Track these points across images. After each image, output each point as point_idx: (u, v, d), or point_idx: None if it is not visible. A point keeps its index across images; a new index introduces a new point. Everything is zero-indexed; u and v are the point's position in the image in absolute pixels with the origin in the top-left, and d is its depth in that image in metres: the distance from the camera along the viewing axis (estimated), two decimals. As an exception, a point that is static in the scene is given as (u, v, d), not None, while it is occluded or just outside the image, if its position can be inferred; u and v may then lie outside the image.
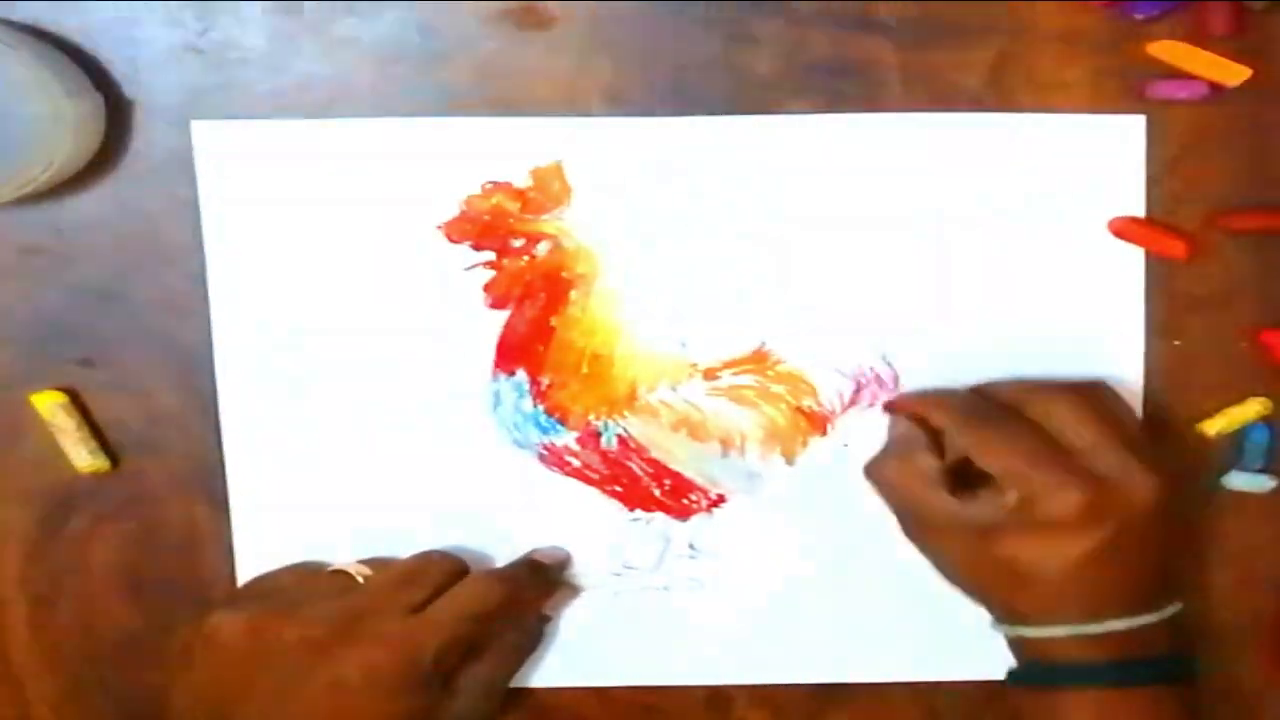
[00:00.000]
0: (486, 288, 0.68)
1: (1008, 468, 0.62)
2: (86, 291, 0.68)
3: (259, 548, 0.69)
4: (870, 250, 0.68)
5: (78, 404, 0.68)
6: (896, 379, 0.69)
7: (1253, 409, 0.69)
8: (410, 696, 0.63)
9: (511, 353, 0.68)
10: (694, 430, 0.69)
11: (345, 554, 0.69)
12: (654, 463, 0.69)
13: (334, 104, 0.67)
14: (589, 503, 0.70)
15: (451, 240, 0.68)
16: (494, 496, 0.69)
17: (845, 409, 0.69)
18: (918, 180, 0.67)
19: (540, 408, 0.69)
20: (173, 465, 0.69)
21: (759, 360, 0.69)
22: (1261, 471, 0.69)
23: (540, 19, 0.66)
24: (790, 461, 0.70)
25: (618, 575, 0.70)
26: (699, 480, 0.70)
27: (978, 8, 0.66)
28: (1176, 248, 0.67)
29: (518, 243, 0.68)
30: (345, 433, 0.69)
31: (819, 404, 0.69)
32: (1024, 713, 0.65)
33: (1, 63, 0.60)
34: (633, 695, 0.71)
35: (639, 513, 0.70)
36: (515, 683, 0.70)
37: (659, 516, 0.70)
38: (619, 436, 0.69)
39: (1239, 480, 0.69)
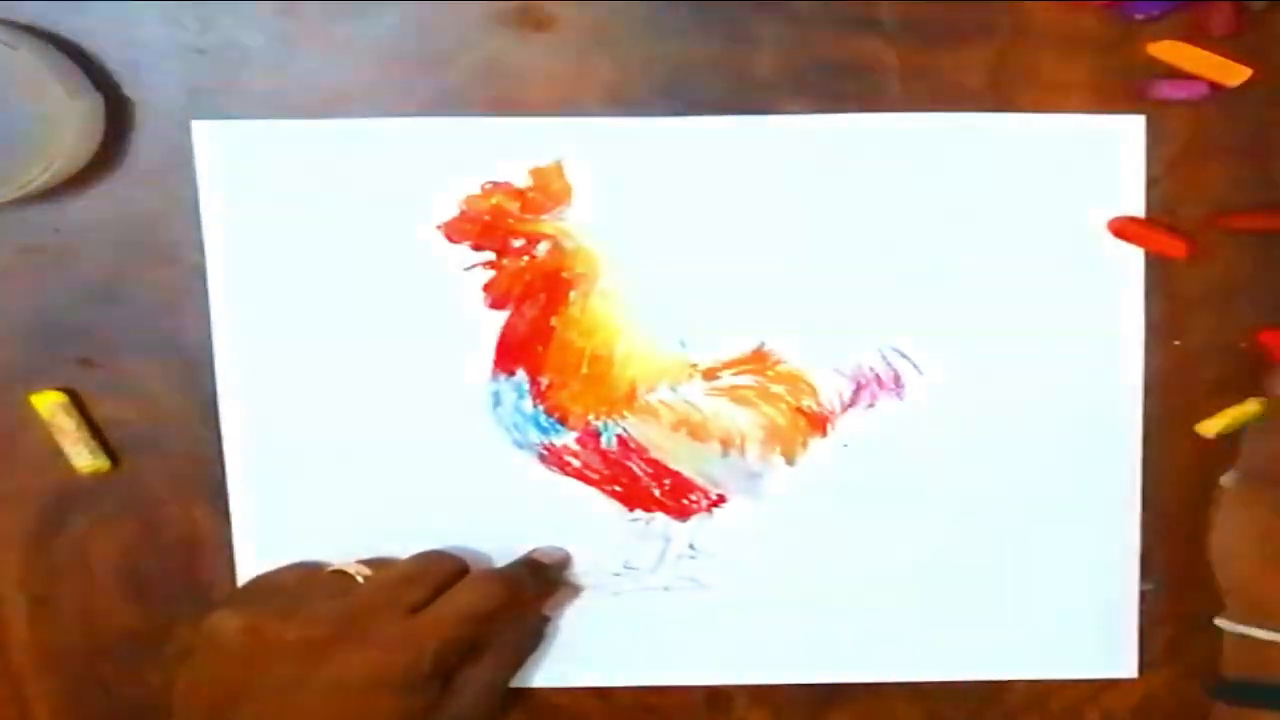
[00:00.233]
0: (486, 288, 0.68)
1: None
2: (86, 291, 0.68)
3: (259, 548, 0.69)
4: (870, 250, 0.68)
5: (78, 404, 0.68)
6: (896, 379, 0.69)
7: (1253, 409, 0.68)
8: (410, 696, 0.63)
9: (511, 353, 0.68)
10: (694, 430, 0.69)
11: (345, 554, 0.68)
12: (654, 463, 0.69)
13: (334, 104, 0.66)
14: (589, 503, 0.70)
15: (451, 240, 0.68)
16: (494, 497, 0.69)
17: (845, 409, 0.69)
18: (917, 180, 0.67)
19: (540, 408, 0.69)
20: (173, 465, 0.69)
21: (759, 360, 0.69)
22: (1261, 471, 0.69)
23: (540, 19, 0.66)
24: (790, 461, 0.70)
25: (618, 575, 0.70)
26: (699, 480, 0.70)
27: (978, 8, 0.66)
28: (1176, 248, 0.67)
29: (518, 243, 0.68)
30: (345, 433, 0.69)
31: (819, 404, 0.69)
32: None
33: (1, 63, 0.60)
34: (633, 695, 0.71)
35: (639, 513, 0.70)
36: (515, 683, 0.70)
37: (659, 516, 0.70)
38: (619, 436, 0.69)
39: (1239, 480, 0.69)
